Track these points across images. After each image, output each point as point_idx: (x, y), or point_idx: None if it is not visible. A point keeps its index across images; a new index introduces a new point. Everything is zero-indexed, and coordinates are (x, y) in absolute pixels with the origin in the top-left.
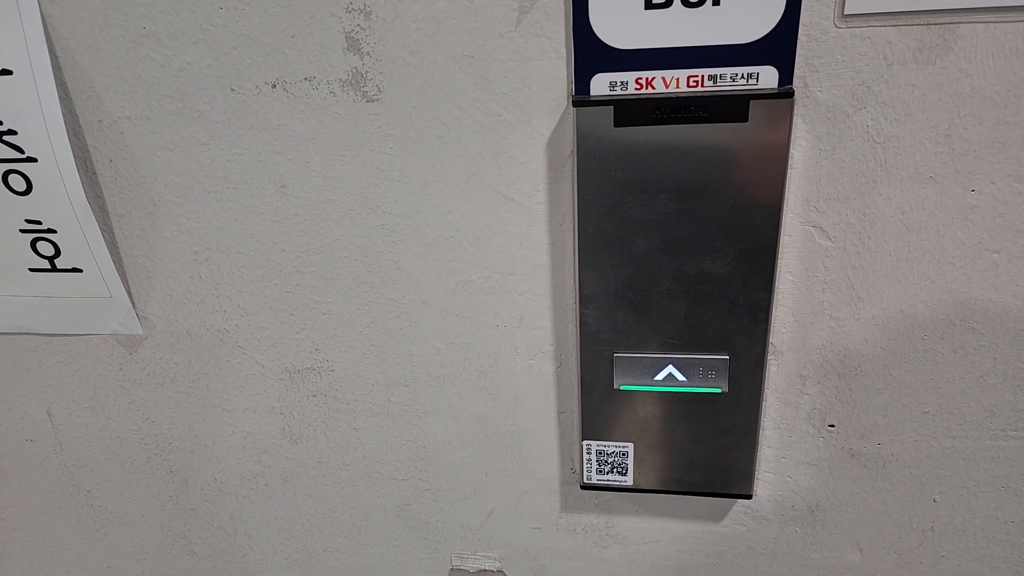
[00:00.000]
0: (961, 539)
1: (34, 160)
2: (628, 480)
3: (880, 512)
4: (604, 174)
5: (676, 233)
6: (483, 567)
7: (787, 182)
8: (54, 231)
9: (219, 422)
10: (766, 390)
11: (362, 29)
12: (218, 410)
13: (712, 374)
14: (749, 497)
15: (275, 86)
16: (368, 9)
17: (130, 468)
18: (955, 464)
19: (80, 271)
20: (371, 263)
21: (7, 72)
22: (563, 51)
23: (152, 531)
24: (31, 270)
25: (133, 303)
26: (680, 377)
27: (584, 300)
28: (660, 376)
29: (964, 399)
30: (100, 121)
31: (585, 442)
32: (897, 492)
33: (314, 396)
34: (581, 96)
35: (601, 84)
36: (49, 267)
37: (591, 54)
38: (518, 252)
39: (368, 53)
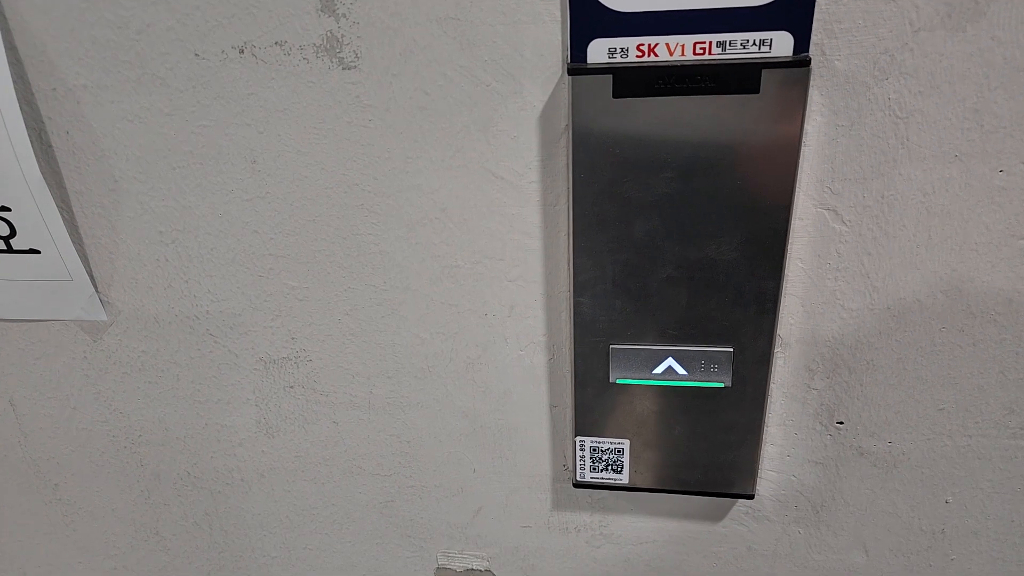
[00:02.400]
0: (973, 542)
1: None
2: (623, 478)
3: (889, 513)
4: (602, 150)
5: (679, 216)
6: (471, 566)
7: (800, 160)
8: (8, 209)
9: (191, 414)
10: (771, 384)
11: None
12: (189, 401)
13: (715, 367)
14: (751, 497)
15: (243, 51)
16: None
17: (98, 461)
18: (970, 464)
19: (38, 252)
20: (350, 246)
21: None
22: (558, 13)
23: (123, 526)
24: None
25: (96, 287)
26: (680, 371)
27: (579, 287)
28: (659, 369)
29: (982, 395)
30: (54, 89)
31: (578, 438)
32: (907, 492)
33: (291, 387)
34: (577, 64)
35: (599, 51)
36: (4, 248)
37: (589, 17)
38: (508, 235)
39: (344, 15)
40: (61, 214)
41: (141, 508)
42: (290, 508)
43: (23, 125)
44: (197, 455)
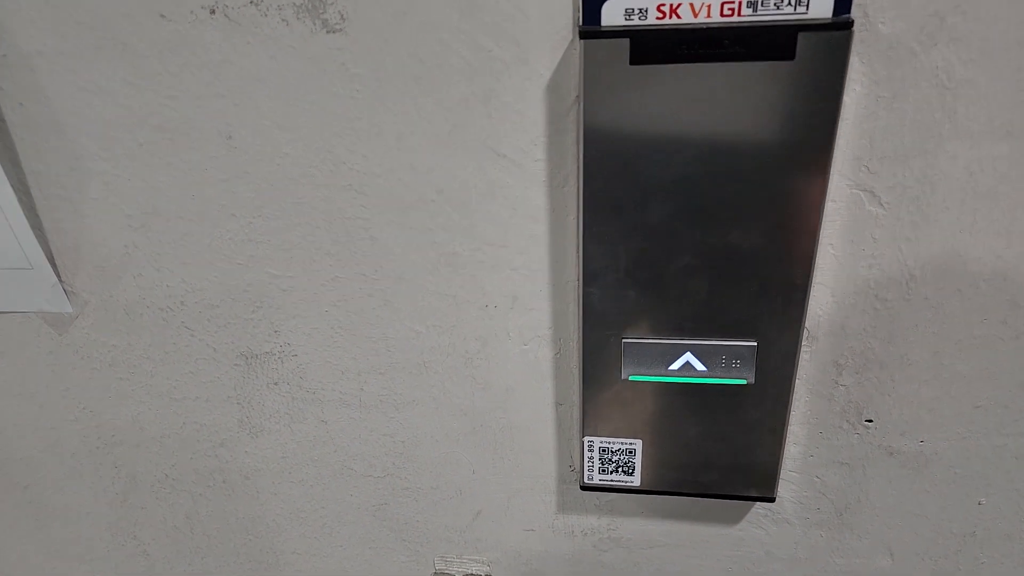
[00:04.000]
0: (1005, 545)
1: None
2: (635, 481)
3: (917, 515)
4: (616, 125)
5: (700, 197)
6: (470, 571)
7: (836, 136)
8: None
9: (167, 412)
10: (795, 380)
11: None
12: (165, 399)
13: (737, 363)
14: (772, 500)
15: (214, 12)
16: None
17: (70, 462)
18: (1006, 464)
19: None
20: (337, 231)
21: None
22: None
23: (99, 530)
24: None
25: (59, 276)
26: (699, 366)
27: (589, 276)
28: (676, 365)
29: (1023, 393)
30: (5, 56)
31: (587, 438)
32: (938, 494)
33: (275, 384)
34: (590, 27)
35: (615, 11)
36: None
37: None
38: (511, 219)
39: None
40: (17, 195)
41: (117, 511)
42: (277, 511)
43: None
44: (175, 456)
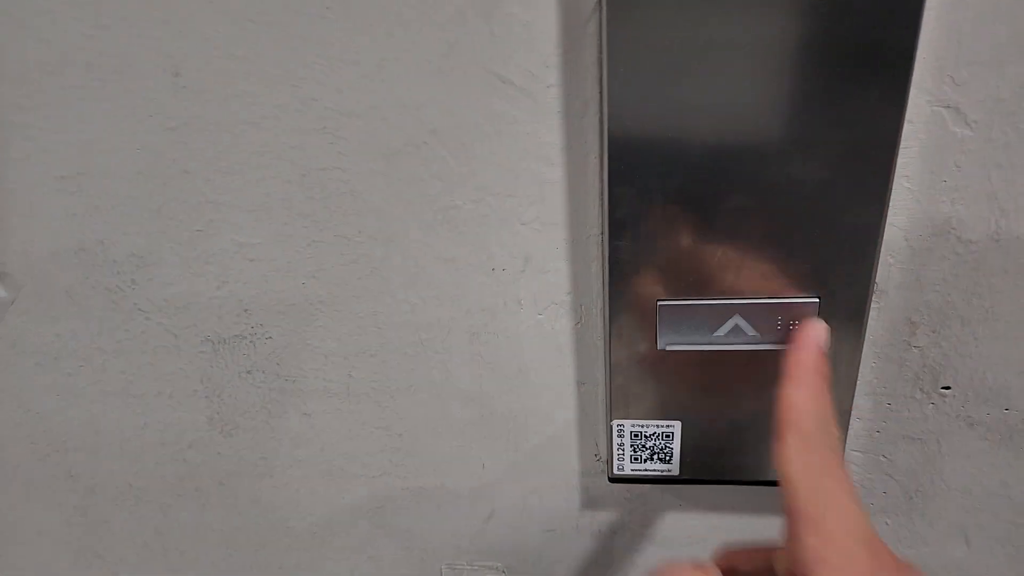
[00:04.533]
0: None
1: None
2: (673, 469)
3: (998, 495)
4: (646, 35)
5: (752, 123)
6: None
7: (919, 38)
8: None
9: (125, 412)
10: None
11: None
12: (122, 396)
13: (795, 325)
14: None
15: None
16: None
17: (17, 474)
18: None
19: None
20: (310, 185)
21: None
22: None
23: (57, 551)
24: None
25: None
26: (751, 331)
27: (616, 227)
28: (722, 331)
29: None
30: None
31: (615, 422)
32: (1023, 469)
33: (248, 373)
34: None
35: None
36: None
37: None
38: (520, 163)
39: None
40: None
41: (77, 529)
42: (258, 521)
43: None
44: (139, 462)
